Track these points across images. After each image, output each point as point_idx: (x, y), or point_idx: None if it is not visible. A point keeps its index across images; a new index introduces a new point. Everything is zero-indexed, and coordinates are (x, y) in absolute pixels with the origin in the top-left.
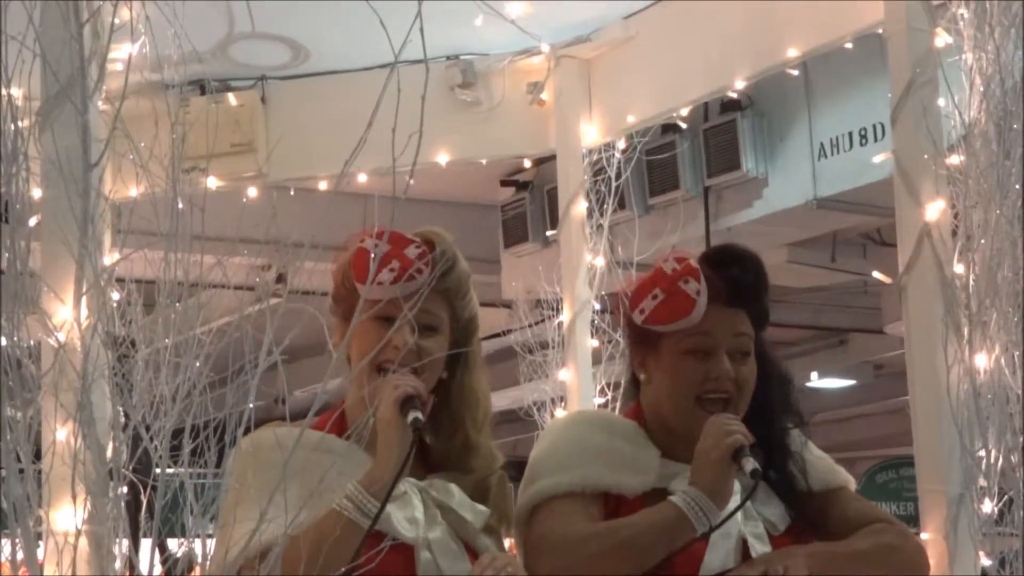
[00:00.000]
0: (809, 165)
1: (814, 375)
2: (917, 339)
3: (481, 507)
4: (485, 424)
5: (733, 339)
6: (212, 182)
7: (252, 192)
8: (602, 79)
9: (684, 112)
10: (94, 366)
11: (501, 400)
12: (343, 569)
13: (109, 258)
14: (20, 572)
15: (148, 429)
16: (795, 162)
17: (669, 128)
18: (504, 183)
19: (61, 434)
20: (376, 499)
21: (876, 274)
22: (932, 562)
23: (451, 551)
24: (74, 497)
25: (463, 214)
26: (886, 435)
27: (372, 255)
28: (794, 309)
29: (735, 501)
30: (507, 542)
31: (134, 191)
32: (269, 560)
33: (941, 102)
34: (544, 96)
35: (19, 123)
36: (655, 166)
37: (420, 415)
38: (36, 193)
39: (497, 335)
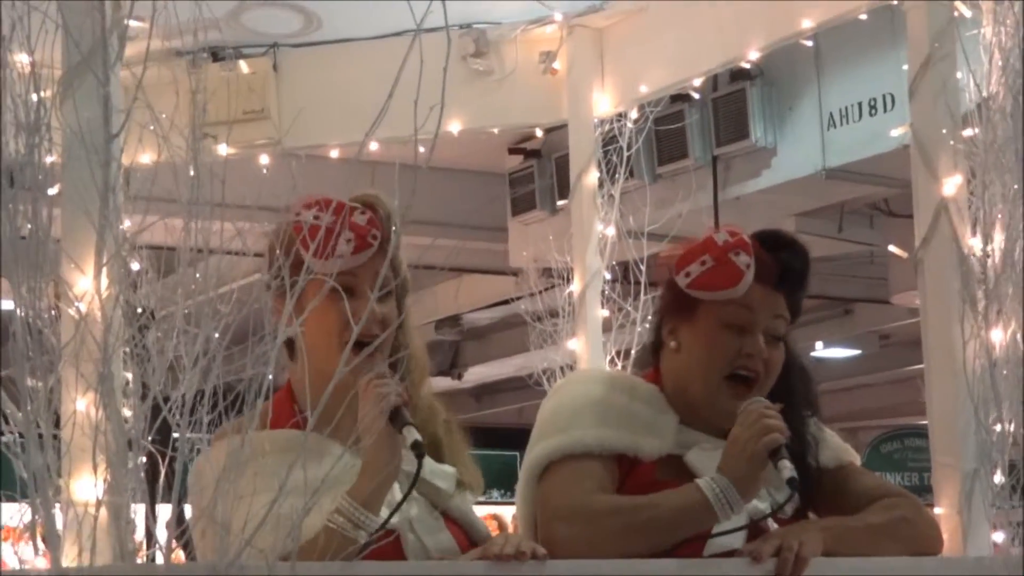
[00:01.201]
0: (818, 135)
1: (819, 344)
2: (933, 313)
3: (448, 468)
4: (423, 381)
5: (772, 320)
6: (224, 149)
7: (264, 159)
8: (615, 49)
9: (697, 82)
10: (116, 336)
11: (506, 367)
12: None
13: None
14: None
15: (167, 400)
16: (804, 132)
17: (678, 97)
18: (512, 151)
19: (81, 404)
20: (370, 509)
21: (892, 248)
22: (945, 536)
23: (430, 526)
24: (95, 467)
25: (470, 182)
26: (891, 405)
27: (323, 227)
28: None
29: (759, 500)
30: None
31: (146, 158)
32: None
33: (959, 75)
34: (557, 65)
35: (41, 93)
36: (664, 135)
37: (419, 436)
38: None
39: (504, 303)
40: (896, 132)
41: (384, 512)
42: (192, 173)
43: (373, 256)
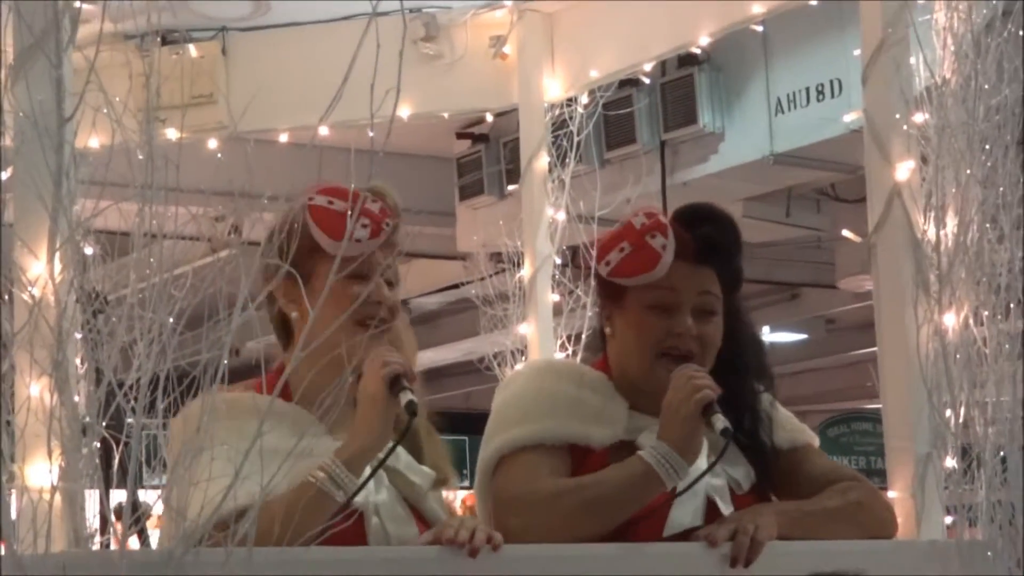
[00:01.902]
0: (766, 120)
1: (766, 329)
2: (886, 298)
3: (426, 469)
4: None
5: (698, 297)
6: (172, 134)
7: (213, 144)
8: (565, 33)
9: (648, 67)
10: (69, 322)
11: (453, 352)
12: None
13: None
14: None
15: (121, 385)
16: (752, 117)
17: (627, 82)
18: (460, 135)
19: (35, 390)
20: (352, 471)
21: (846, 232)
22: (899, 520)
23: (398, 515)
24: (50, 453)
25: (418, 166)
26: (837, 389)
27: (348, 212)
28: (748, 264)
29: (703, 458)
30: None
31: (94, 142)
32: (244, 523)
33: (912, 61)
34: (507, 50)
35: None
36: (612, 120)
37: (414, 398)
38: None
39: (452, 287)
40: (849, 117)
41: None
42: (143, 157)
43: (382, 247)
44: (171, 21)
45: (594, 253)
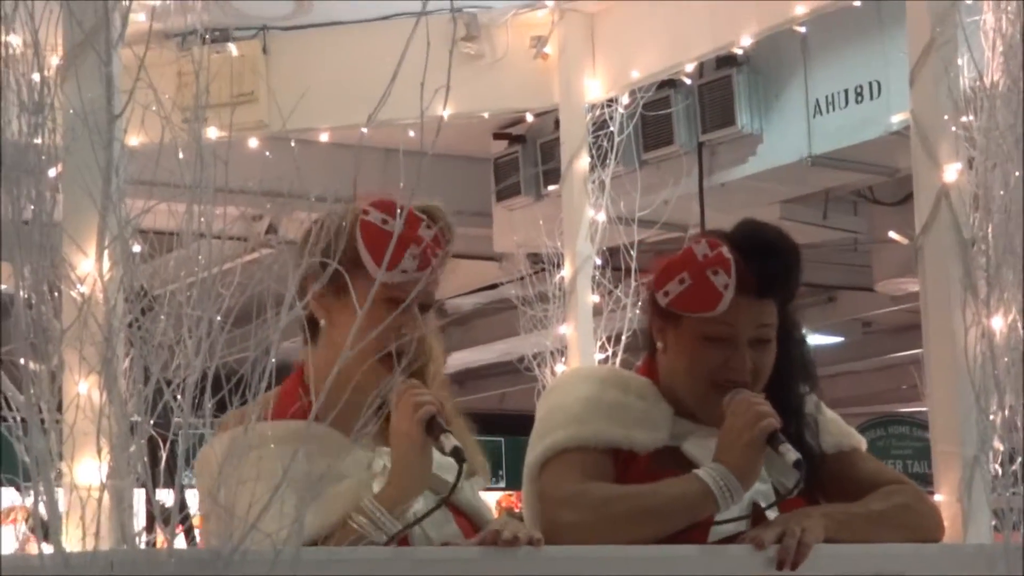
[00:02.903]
0: (804, 122)
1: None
2: (933, 300)
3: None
4: (435, 381)
5: (756, 330)
6: (214, 133)
7: (254, 143)
8: (606, 33)
9: (689, 68)
10: (118, 319)
11: (488, 353)
12: None
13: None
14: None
15: (169, 384)
16: (790, 119)
17: (664, 83)
18: (497, 136)
19: (83, 387)
20: (394, 515)
21: (893, 234)
22: (946, 523)
23: (437, 520)
24: (98, 451)
25: (454, 166)
26: (874, 392)
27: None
28: None
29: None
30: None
31: (134, 140)
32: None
33: (960, 62)
34: (548, 50)
35: (44, 72)
36: (650, 121)
37: (458, 443)
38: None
39: (487, 288)
40: (896, 118)
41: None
42: (190, 155)
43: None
44: (212, 20)
45: (633, 254)
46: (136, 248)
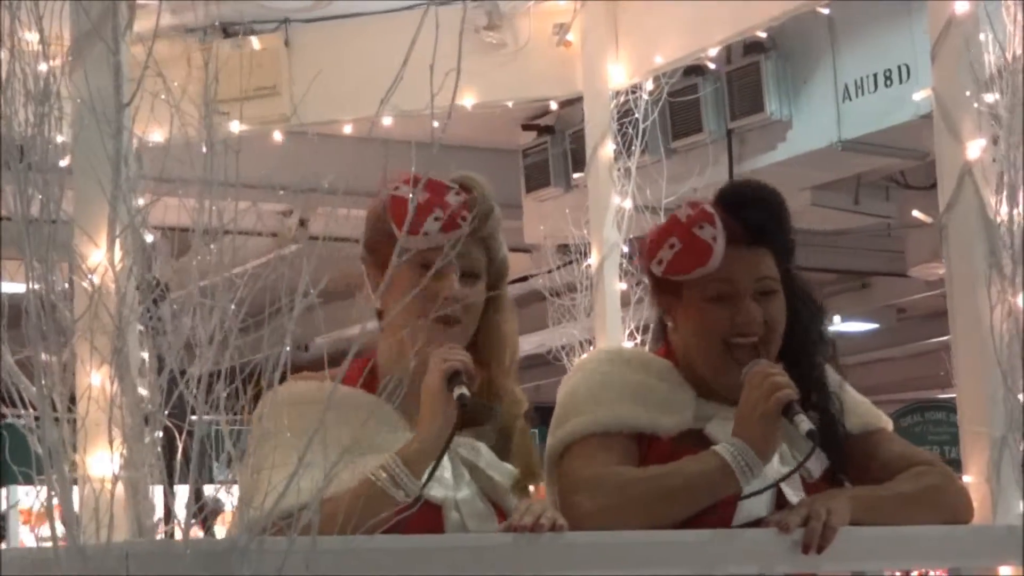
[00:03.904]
0: (833, 107)
1: (836, 318)
2: (958, 279)
3: (509, 466)
4: (512, 368)
5: (756, 282)
6: (236, 126)
7: (277, 136)
8: (629, 20)
9: (713, 52)
10: (130, 310)
11: (525, 344)
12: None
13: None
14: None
15: (183, 374)
16: (819, 104)
17: (692, 70)
18: (526, 127)
19: (96, 378)
20: (412, 472)
21: (916, 213)
22: (975, 504)
23: (479, 512)
24: (111, 443)
25: (483, 159)
26: (909, 378)
27: (411, 201)
28: (817, 252)
29: (776, 456)
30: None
31: (157, 135)
32: (306, 513)
33: (982, 38)
34: (570, 37)
35: (50, 63)
36: (678, 109)
37: (466, 391)
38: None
39: (520, 279)
40: (919, 96)
41: (433, 488)
42: (205, 149)
43: (465, 239)
44: (233, 13)
45: (642, 249)
46: (149, 237)
